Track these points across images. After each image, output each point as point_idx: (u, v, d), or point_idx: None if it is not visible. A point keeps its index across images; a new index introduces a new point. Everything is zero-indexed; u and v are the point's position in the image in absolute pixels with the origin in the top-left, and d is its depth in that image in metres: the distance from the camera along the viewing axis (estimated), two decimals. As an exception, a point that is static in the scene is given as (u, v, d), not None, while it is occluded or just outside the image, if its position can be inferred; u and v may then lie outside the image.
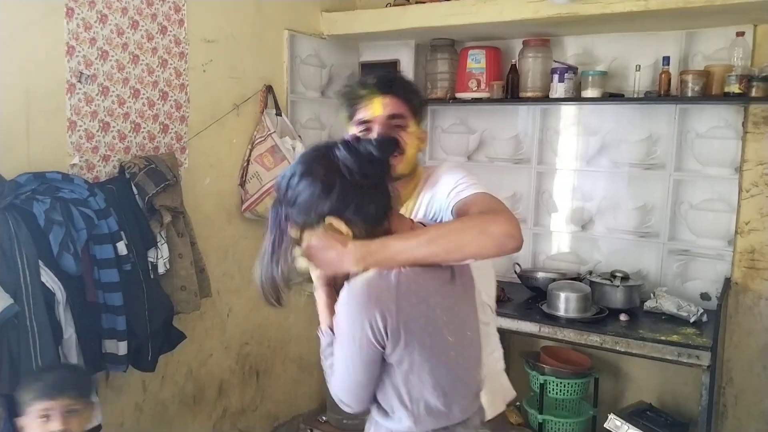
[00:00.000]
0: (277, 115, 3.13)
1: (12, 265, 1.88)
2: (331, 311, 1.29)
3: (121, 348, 2.16)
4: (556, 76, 3.06)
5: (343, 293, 1.23)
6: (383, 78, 1.49)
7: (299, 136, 3.16)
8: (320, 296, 1.32)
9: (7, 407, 1.88)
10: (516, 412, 3.16)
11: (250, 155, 3.01)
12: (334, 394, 1.31)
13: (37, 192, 2.03)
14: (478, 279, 1.38)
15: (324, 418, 3.48)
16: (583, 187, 3.23)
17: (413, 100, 1.50)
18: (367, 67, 3.61)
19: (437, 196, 1.44)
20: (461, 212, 1.33)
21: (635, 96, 2.96)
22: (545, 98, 3.13)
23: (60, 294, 1.96)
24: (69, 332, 1.99)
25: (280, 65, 3.22)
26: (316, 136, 3.47)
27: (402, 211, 1.41)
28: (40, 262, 1.94)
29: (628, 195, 3.12)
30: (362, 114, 1.47)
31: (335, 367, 1.29)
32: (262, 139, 3.02)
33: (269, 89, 3.12)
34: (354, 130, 1.48)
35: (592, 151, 3.18)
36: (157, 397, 2.71)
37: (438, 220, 1.45)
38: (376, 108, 1.45)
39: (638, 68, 2.95)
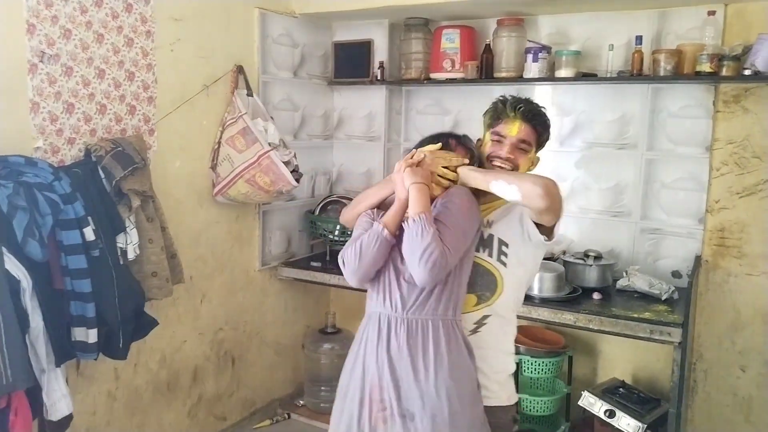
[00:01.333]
0: (248, 95, 3.07)
1: (-27, 252, 1.81)
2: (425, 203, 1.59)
3: (91, 336, 2.10)
4: (530, 56, 3.05)
5: (457, 188, 1.68)
6: (530, 109, 1.80)
7: (271, 118, 3.10)
8: (424, 189, 1.60)
9: (-27, 398, 1.83)
10: (492, 392, 3.19)
11: (221, 137, 2.95)
12: (443, 252, 1.53)
13: (-2, 176, 1.96)
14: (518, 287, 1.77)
15: (301, 402, 3.47)
16: (556, 167, 3.23)
17: (543, 134, 1.82)
18: (340, 47, 3.56)
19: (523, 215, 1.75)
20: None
21: (608, 75, 2.98)
22: (519, 78, 3.12)
23: (25, 281, 1.90)
24: (36, 321, 1.94)
25: (251, 45, 3.15)
26: (289, 117, 3.42)
27: (493, 208, 1.81)
28: (4, 249, 1.87)
29: (601, 175, 3.14)
30: (501, 128, 1.80)
31: (448, 235, 1.56)
32: (233, 120, 2.96)
33: (240, 69, 3.05)
34: (488, 136, 1.82)
35: (566, 132, 3.19)
36: (131, 385, 2.66)
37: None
38: (513, 130, 1.77)
39: (611, 48, 2.95)
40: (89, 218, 2.10)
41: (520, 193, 1.59)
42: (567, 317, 2.63)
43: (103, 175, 2.28)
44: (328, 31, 3.63)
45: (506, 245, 1.72)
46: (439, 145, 1.73)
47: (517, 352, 2.98)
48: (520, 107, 1.78)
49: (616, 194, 3.11)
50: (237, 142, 2.91)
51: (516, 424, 1.77)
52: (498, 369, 1.70)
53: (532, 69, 3.04)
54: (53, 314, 2.00)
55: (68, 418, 2.09)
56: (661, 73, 2.81)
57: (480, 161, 1.79)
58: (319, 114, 3.64)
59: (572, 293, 2.74)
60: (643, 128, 3.01)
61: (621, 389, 2.83)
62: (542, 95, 3.26)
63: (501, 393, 1.70)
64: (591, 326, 2.60)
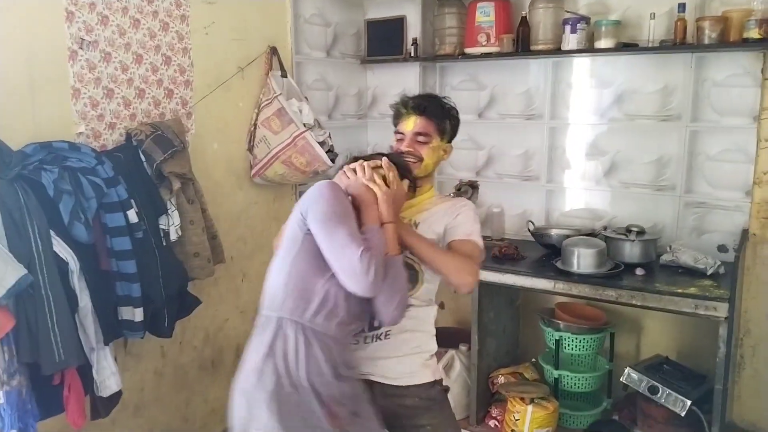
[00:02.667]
0: (282, 76, 3.08)
1: (24, 235, 1.87)
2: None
3: (137, 314, 2.17)
4: (568, 27, 2.97)
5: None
6: (420, 102, 1.88)
7: (305, 98, 3.11)
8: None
9: (28, 375, 1.90)
10: (531, 368, 3.18)
11: (256, 119, 2.97)
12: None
13: (44, 162, 2.01)
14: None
15: None
16: (596, 141, 3.17)
17: (442, 122, 1.88)
18: (372, 25, 3.53)
19: (452, 222, 1.82)
20: (456, 246, 1.77)
21: (650, 45, 2.88)
22: (557, 50, 3.05)
23: (73, 263, 1.96)
24: (84, 300, 2.00)
25: (283, 25, 3.14)
26: (323, 97, 3.42)
27: (415, 203, 1.87)
28: (52, 232, 1.93)
29: (643, 148, 3.06)
30: (400, 126, 1.90)
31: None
32: (269, 102, 2.97)
33: (273, 51, 3.06)
34: (395, 136, 1.91)
35: (606, 104, 3.11)
36: (176, 362, 2.74)
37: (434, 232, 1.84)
38: (409, 125, 1.86)
39: (653, 16, 2.85)
40: (132, 201, 2.15)
41: (443, 274, 1.73)
42: (609, 293, 2.59)
43: (143, 159, 2.32)
44: (359, 8, 3.60)
45: None
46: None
47: (558, 329, 2.96)
48: (410, 103, 1.87)
49: (659, 168, 3.02)
50: (272, 124, 2.93)
51: (446, 392, 1.89)
52: (424, 349, 1.82)
53: (571, 41, 2.97)
54: (101, 294, 2.06)
55: (117, 395, 2.17)
56: (706, 42, 2.70)
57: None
58: (352, 93, 3.63)
59: (614, 269, 2.69)
60: (687, 99, 2.91)
61: (665, 365, 2.78)
62: (581, 68, 3.18)
63: (426, 371, 1.81)
64: (634, 302, 2.55)
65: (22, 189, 1.91)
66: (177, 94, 2.65)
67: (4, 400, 1.83)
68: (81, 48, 2.28)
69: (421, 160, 1.84)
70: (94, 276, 2.04)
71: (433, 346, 1.87)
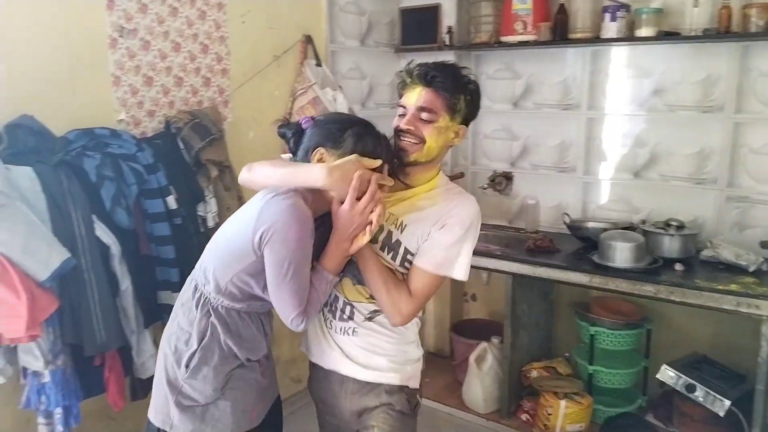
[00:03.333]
0: (317, 65, 3.08)
1: (67, 220, 1.91)
2: None
3: (176, 299, 2.19)
4: (607, 15, 2.91)
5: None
6: (428, 71, 1.53)
7: (340, 87, 3.11)
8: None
9: (71, 356, 1.95)
10: (564, 363, 3.14)
11: (292, 107, 2.98)
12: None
13: (86, 148, 2.05)
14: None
15: None
16: (635, 132, 3.10)
17: (453, 97, 1.52)
18: (407, 13, 3.50)
19: (432, 235, 1.53)
20: (411, 274, 1.54)
21: (692, 34, 2.80)
22: (596, 39, 2.99)
23: (114, 247, 1.99)
24: (125, 284, 2.04)
25: (318, 14, 3.14)
26: (357, 86, 3.41)
27: (408, 196, 1.58)
28: (94, 217, 1.96)
29: (684, 140, 2.98)
30: (403, 99, 1.56)
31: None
32: (304, 90, 2.98)
33: (308, 39, 3.06)
34: (398, 110, 1.57)
35: (646, 94, 3.04)
36: (210, 348, 2.77)
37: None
38: (412, 97, 1.53)
39: (696, 3, 2.78)
40: (171, 187, 2.18)
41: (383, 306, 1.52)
42: (647, 288, 2.54)
43: (182, 146, 2.35)
44: (395, -4, 3.58)
45: (412, 255, 1.55)
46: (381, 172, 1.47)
47: (594, 324, 2.92)
48: (417, 71, 1.54)
49: (700, 160, 2.95)
50: (307, 112, 2.93)
51: (415, 406, 1.66)
52: (397, 354, 1.60)
53: (610, 29, 2.90)
54: (141, 278, 2.10)
55: (152, 378, 2.20)
56: (753, 30, 2.62)
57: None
58: (386, 82, 3.61)
59: (652, 264, 2.64)
60: (731, 90, 2.83)
61: (703, 364, 2.72)
62: (620, 57, 3.11)
63: (395, 374, 1.59)
64: (673, 298, 2.50)
65: (66, 174, 1.95)
66: (214, 82, 2.67)
67: (49, 379, 1.88)
68: (121, 36, 2.31)
69: (423, 141, 1.51)
70: (134, 260, 2.08)
71: (413, 353, 1.64)
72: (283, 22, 2.94)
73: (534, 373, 3.05)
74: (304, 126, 1.52)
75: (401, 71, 1.58)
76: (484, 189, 3.44)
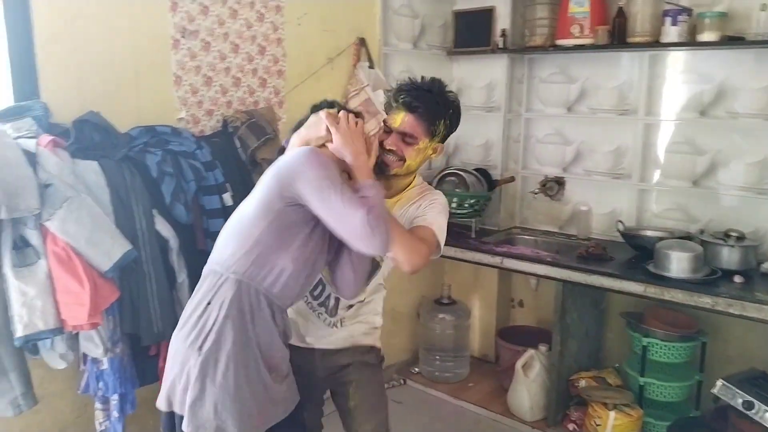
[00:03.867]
0: (369, 68, 3.10)
1: (129, 213, 1.98)
2: None
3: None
4: (668, 19, 2.84)
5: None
6: (413, 99, 1.68)
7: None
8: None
9: (129, 345, 2.02)
10: (614, 373, 3.07)
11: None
12: None
13: (149, 144, 2.13)
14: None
15: (416, 369, 3.54)
16: (694, 139, 3.01)
17: (433, 124, 1.70)
18: (460, 16, 3.50)
19: (417, 213, 1.76)
20: (413, 230, 1.71)
21: (759, 39, 2.70)
22: (655, 43, 2.92)
23: (173, 241, 2.06)
24: (182, 277, 2.10)
25: (372, 17, 3.17)
26: (409, 89, 3.41)
27: (393, 202, 1.78)
28: (154, 211, 2.03)
29: (746, 148, 2.87)
30: (389, 118, 1.74)
31: None
32: (356, 92, 3.01)
33: (362, 42, 3.09)
34: (382, 125, 1.75)
35: (706, 101, 2.94)
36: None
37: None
38: (396, 121, 1.71)
39: (764, 8, 2.67)
40: (227, 185, 2.24)
41: (394, 248, 1.60)
42: (704, 300, 2.45)
43: (238, 145, 2.41)
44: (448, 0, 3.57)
45: None
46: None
47: (647, 335, 2.84)
48: (402, 97, 1.69)
49: (762, 169, 2.83)
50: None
51: (381, 361, 1.93)
52: (368, 322, 1.87)
53: (671, 33, 2.83)
54: (196, 272, 2.13)
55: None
56: (825, 34, 2.51)
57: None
58: (438, 86, 3.61)
59: (710, 275, 2.55)
60: (798, 96, 2.71)
61: (761, 380, 2.60)
62: (679, 62, 3.03)
63: (367, 338, 1.86)
64: (731, 311, 2.41)
65: (129, 169, 2.03)
66: (270, 83, 2.72)
67: (107, 366, 1.96)
68: (183, 37, 2.39)
69: (403, 160, 1.70)
70: (191, 254, 2.14)
71: (378, 321, 1.91)
72: (337, 24, 2.98)
73: (582, 383, 2.99)
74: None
75: (389, 92, 1.78)
76: (535, 194, 3.40)
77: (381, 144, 1.71)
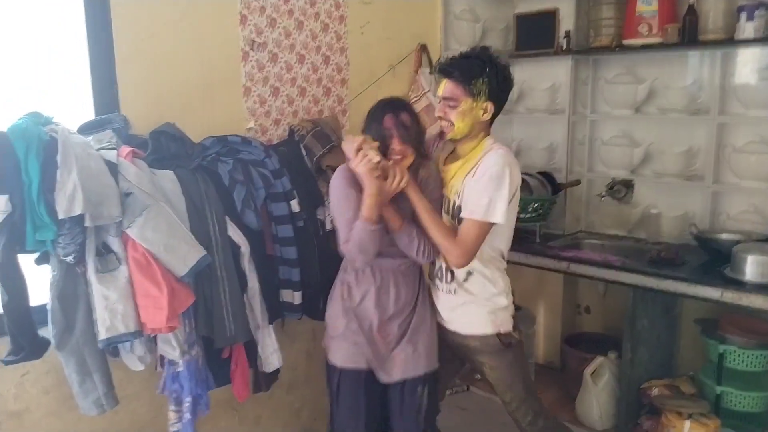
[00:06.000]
0: (431, 73, 3.10)
1: (203, 220, 2.06)
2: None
3: (297, 297, 2.30)
4: (743, 15, 2.72)
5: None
6: (447, 66, 1.90)
7: (454, 94, 3.12)
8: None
9: (203, 347, 2.09)
10: (689, 382, 2.95)
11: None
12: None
13: (220, 154, 2.20)
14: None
15: (478, 376, 3.50)
16: (765, 135, 2.87)
17: (471, 84, 1.86)
18: (522, 19, 3.46)
19: (472, 190, 1.90)
20: (460, 223, 1.92)
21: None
22: (729, 40, 2.80)
23: (244, 247, 2.12)
24: (253, 282, 2.16)
25: (434, 22, 3.19)
26: (470, 93, 3.41)
27: (459, 166, 1.99)
28: (227, 218, 2.10)
29: (831, 146, 2.72)
30: (438, 92, 1.98)
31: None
32: (417, 98, 3.03)
33: (423, 48, 3.11)
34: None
35: (784, 98, 2.81)
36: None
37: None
38: (440, 90, 1.94)
39: None
40: (294, 192, 2.29)
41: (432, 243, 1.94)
42: (786, 306, 2.34)
43: (304, 153, 2.46)
44: (509, 3, 3.54)
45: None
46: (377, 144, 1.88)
47: (723, 342, 2.72)
48: (439, 67, 1.92)
49: None
50: (422, 120, 2.97)
51: (509, 345, 2.05)
52: (486, 304, 2.01)
53: (746, 29, 2.71)
54: (266, 277, 2.22)
55: (278, 371, 2.32)
56: None
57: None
58: (499, 89, 3.58)
59: (792, 280, 2.43)
60: None
61: None
62: (754, 59, 2.89)
63: (486, 322, 2.00)
64: (817, 317, 2.29)
65: (202, 178, 2.10)
66: (334, 92, 2.78)
67: (183, 368, 2.03)
68: (252, 49, 2.47)
69: (452, 124, 1.89)
70: (260, 260, 2.20)
71: (501, 302, 2.01)
72: (399, 31, 3.01)
73: (655, 391, 2.89)
74: None
75: (434, 66, 1.98)
76: (602, 197, 3.31)
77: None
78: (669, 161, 3.14)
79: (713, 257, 2.78)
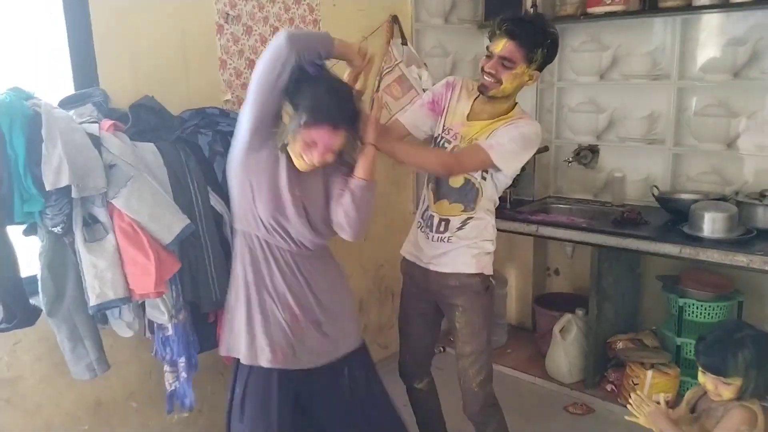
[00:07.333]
0: (402, 44, 3.18)
1: (185, 190, 2.12)
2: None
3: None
4: (701, -18, 2.84)
5: None
6: (515, 27, 1.88)
7: (425, 64, 3.20)
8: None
9: (190, 312, 2.17)
10: (652, 335, 3.13)
11: (378, 86, 3.10)
12: None
13: (199, 126, 2.25)
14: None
15: (452, 338, 3.64)
16: (728, 102, 3.02)
17: (532, 50, 1.89)
18: (492, -10, 3.53)
19: (502, 133, 1.96)
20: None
21: (794, -3, 2.69)
22: (688, 7, 2.92)
23: (227, 216, 2.19)
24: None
25: (404, -7, 3.24)
26: (441, 63, 3.49)
27: (486, 125, 2.00)
28: (209, 188, 2.17)
29: (783, 108, 2.88)
30: (491, 45, 1.94)
31: None
32: (390, 69, 3.09)
33: (395, 19, 3.16)
34: (486, 51, 1.97)
35: (741, 63, 2.94)
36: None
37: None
38: (498, 46, 1.91)
39: (799, -35, 2.66)
40: (273, 161, 2.36)
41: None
42: (739, 259, 2.50)
43: (281, 123, 2.52)
44: (479, -27, 3.61)
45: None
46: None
47: (682, 296, 2.90)
48: (505, 25, 1.88)
49: (798, 129, 2.84)
50: (394, 90, 3.05)
51: (487, 288, 2.13)
52: (476, 247, 2.08)
53: (703, -4, 2.83)
54: (248, 244, 2.29)
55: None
56: None
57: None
58: (469, 58, 3.66)
59: (746, 234, 2.59)
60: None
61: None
62: (711, 25, 3.02)
63: (471, 262, 2.07)
64: (767, 268, 2.45)
65: (183, 150, 2.16)
66: (308, 63, 2.82)
67: (173, 332, 2.11)
68: (226, 22, 2.51)
69: (500, 83, 1.91)
70: (243, 228, 2.27)
71: (488, 247, 2.11)
72: (371, 3, 3.06)
73: (620, 345, 3.06)
74: None
75: (495, 21, 1.93)
76: (569, 162, 3.45)
77: (482, 68, 1.95)
78: (632, 126, 3.27)
79: (674, 217, 2.94)
